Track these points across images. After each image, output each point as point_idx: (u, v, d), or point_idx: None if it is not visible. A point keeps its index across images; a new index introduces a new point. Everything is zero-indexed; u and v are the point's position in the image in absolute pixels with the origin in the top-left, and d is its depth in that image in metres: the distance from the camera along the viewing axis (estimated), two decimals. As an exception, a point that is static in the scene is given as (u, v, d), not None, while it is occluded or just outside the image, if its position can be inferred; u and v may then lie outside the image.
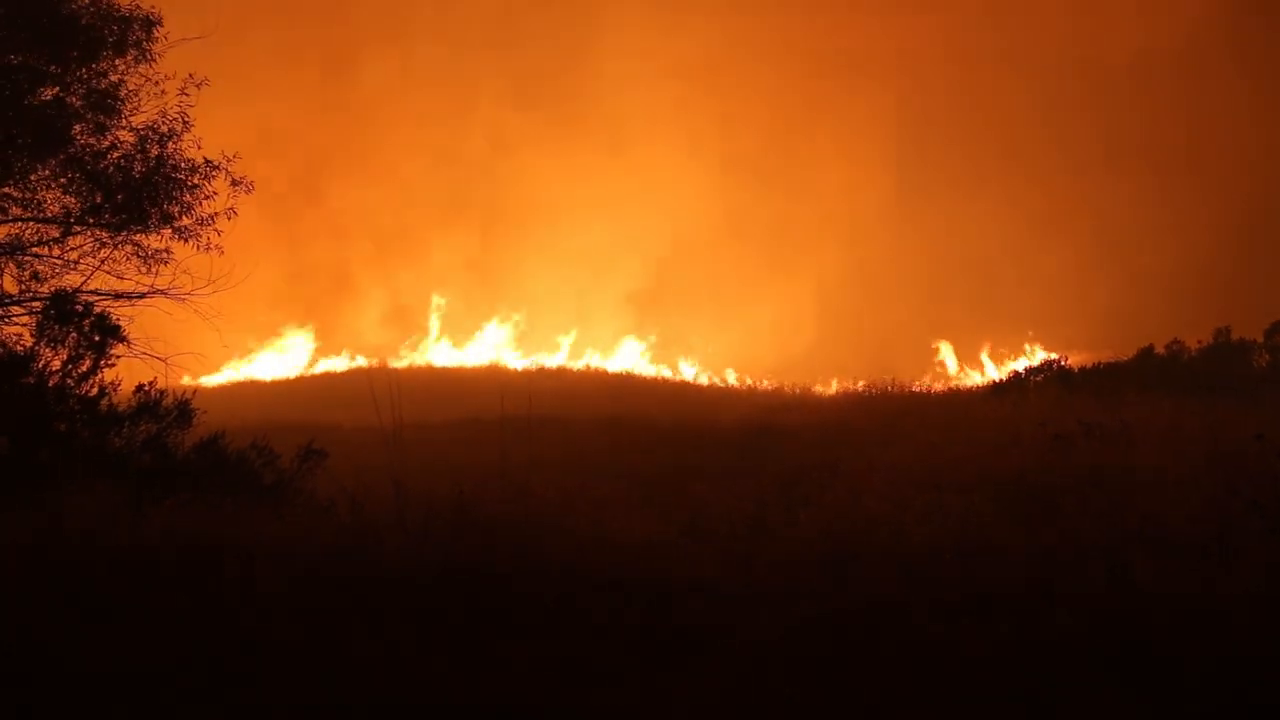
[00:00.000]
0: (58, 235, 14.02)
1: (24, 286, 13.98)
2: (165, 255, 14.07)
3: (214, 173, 13.98)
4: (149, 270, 14.05)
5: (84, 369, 13.39)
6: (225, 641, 7.17)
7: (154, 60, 13.97)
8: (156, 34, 13.98)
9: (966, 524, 9.65)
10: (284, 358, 37.53)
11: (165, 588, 7.93)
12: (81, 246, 14.11)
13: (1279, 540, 9.32)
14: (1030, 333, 37.87)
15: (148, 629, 7.30)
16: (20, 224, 13.98)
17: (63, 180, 13.93)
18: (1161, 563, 8.49)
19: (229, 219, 14.12)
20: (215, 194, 14.02)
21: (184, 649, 7.07)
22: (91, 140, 13.92)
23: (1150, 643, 7.09)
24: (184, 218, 13.95)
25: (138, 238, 14.02)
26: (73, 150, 13.82)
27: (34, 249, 14.02)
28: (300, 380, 33.83)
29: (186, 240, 14.01)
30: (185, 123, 13.98)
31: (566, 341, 38.96)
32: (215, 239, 14.07)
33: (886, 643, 7.26)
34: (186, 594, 7.83)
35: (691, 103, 44.52)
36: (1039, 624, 7.42)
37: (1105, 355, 30.75)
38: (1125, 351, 30.63)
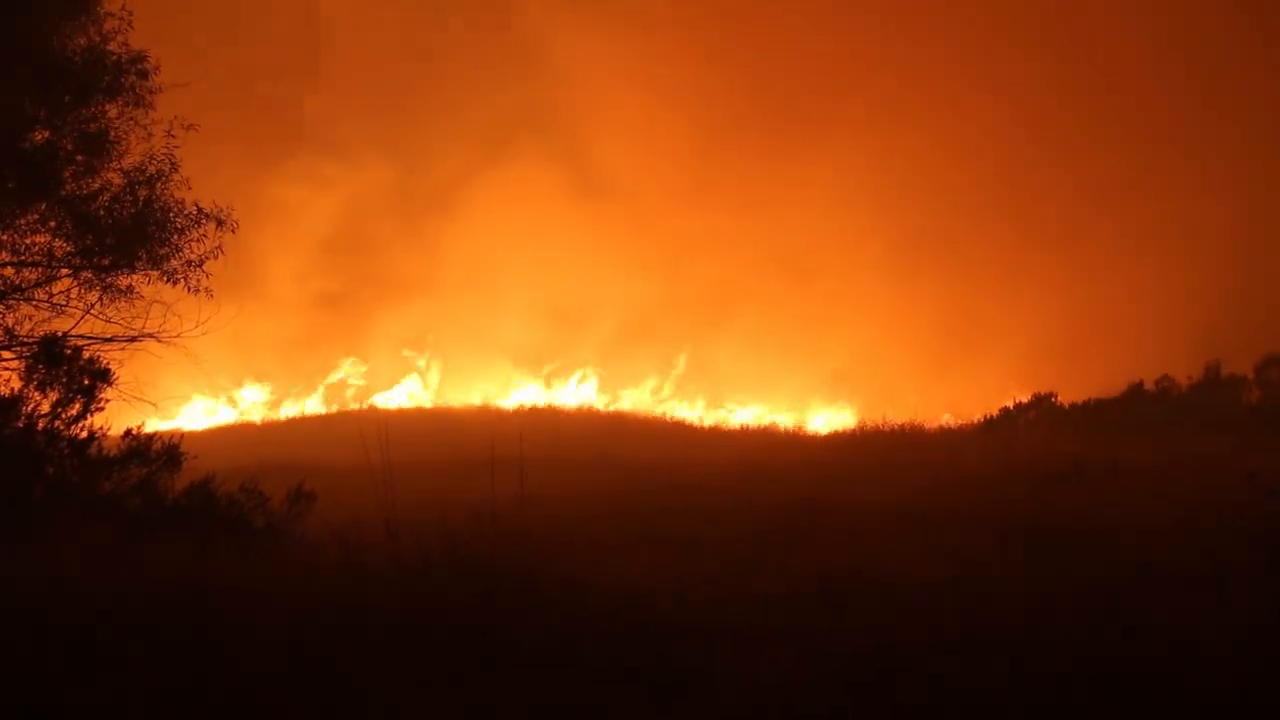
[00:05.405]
0: (45, 279, 14.00)
1: (13, 331, 13.94)
2: (155, 300, 14.06)
3: (204, 220, 13.99)
4: (138, 313, 14.03)
5: (73, 413, 13.35)
6: (219, 683, 7.13)
7: (149, 107, 14.03)
8: (152, 81, 14.05)
9: (962, 561, 9.67)
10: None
11: (154, 634, 7.88)
12: (69, 290, 14.09)
13: (1274, 576, 9.37)
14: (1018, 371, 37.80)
15: (140, 672, 7.26)
16: (9, 269, 13.97)
17: (51, 224, 13.92)
18: (1158, 597, 8.52)
19: (215, 259, 14.12)
20: (205, 236, 14.02)
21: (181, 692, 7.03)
22: (82, 183, 13.94)
23: (1147, 675, 7.11)
24: (173, 260, 13.94)
25: (126, 280, 14.01)
26: (63, 194, 13.83)
27: (23, 293, 13.99)
28: (291, 422, 33.74)
29: (175, 283, 14.00)
30: (173, 164, 14.04)
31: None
32: (205, 281, 14.07)
33: (884, 679, 7.25)
34: (175, 640, 7.78)
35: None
36: (1037, 659, 7.43)
37: (1095, 392, 30.81)
38: (1115, 388, 30.73)
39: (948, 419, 31.02)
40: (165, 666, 7.26)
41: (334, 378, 38.69)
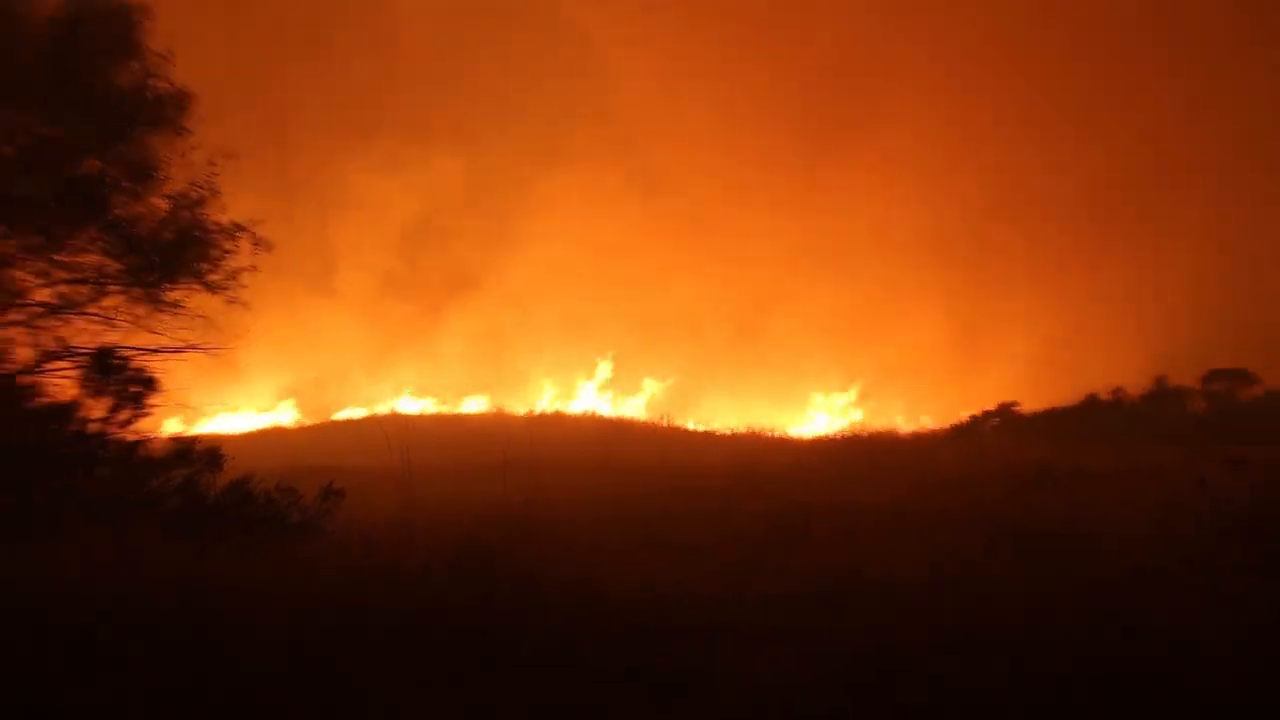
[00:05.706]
0: (96, 295, 13.79)
1: (67, 343, 13.73)
2: (198, 314, 13.85)
3: (239, 234, 13.86)
4: (182, 324, 13.84)
5: (124, 418, 13.09)
6: (221, 682, 6.62)
7: (188, 133, 13.85)
8: (192, 111, 13.87)
9: (958, 561, 9.17)
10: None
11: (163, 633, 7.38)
12: (119, 306, 13.90)
13: (1253, 577, 9.00)
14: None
15: (143, 672, 6.76)
16: (65, 285, 13.76)
17: (101, 244, 13.75)
18: (1155, 598, 8.07)
19: (252, 273, 13.98)
20: (238, 250, 13.88)
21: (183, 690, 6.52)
22: (129, 208, 13.77)
23: (1138, 670, 6.65)
24: (213, 274, 13.79)
25: (172, 295, 13.81)
26: (111, 217, 13.66)
27: (77, 307, 13.79)
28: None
29: (216, 293, 13.82)
30: (213, 190, 13.88)
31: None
32: (241, 293, 13.92)
33: (884, 679, 6.76)
34: (187, 637, 7.27)
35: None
36: (1037, 659, 6.95)
37: (1053, 401, 30.45)
38: (1072, 398, 30.42)
39: (900, 422, 30.74)
40: (164, 666, 6.76)
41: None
